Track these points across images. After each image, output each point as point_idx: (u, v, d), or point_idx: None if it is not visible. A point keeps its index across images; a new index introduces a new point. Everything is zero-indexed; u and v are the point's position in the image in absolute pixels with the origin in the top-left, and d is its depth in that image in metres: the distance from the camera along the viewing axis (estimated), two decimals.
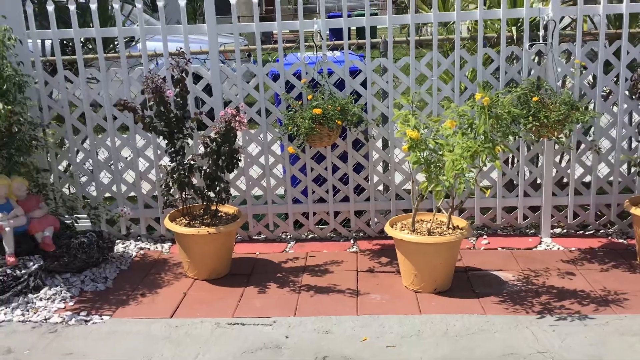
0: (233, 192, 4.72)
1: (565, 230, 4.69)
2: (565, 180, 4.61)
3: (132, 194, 4.73)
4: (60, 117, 4.63)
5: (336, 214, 4.72)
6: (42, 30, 4.45)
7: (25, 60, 4.35)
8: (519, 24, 4.48)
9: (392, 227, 3.93)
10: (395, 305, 3.63)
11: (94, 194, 4.74)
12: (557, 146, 4.41)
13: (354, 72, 4.45)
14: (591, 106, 4.37)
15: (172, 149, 3.89)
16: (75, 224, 4.54)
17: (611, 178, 4.52)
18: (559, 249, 4.40)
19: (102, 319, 3.58)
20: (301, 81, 4.31)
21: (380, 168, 4.80)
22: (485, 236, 4.64)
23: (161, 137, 3.95)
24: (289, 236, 4.81)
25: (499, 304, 3.60)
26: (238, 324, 3.48)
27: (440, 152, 3.44)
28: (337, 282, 3.99)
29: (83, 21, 4.88)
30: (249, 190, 4.67)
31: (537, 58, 4.46)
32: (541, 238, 4.57)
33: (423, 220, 4.05)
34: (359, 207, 4.68)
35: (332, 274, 4.12)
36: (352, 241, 4.68)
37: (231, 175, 4.66)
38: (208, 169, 3.85)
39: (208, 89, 4.50)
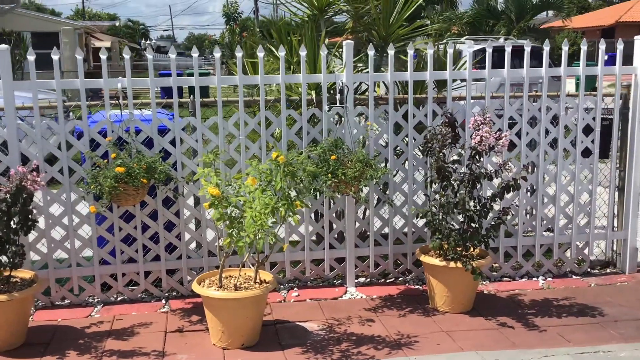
0: (33, 255, 4.46)
1: (368, 280, 5.00)
2: (367, 232, 4.94)
3: None
4: None
5: (147, 273, 4.62)
6: None
7: None
8: (319, 89, 4.81)
9: (199, 284, 3.94)
10: None
11: None
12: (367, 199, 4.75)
13: (163, 131, 4.47)
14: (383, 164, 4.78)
15: None
16: None
17: (406, 229, 4.92)
18: (362, 297, 4.67)
19: None
20: (106, 139, 4.24)
21: (192, 225, 4.81)
22: (296, 288, 4.80)
23: None
24: (96, 300, 4.60)
25: (301, 354, 3.73)
26: None
27: (243, 209, 3.55)
28: (143, 344, 3.88)
29: None
30: (51, 253, 4.43)
31: (337, 119, 4.80)
32: (347, 288, 4.82)
33: (232, 275, 4.10)
34: (171, 266, 4.62)
35: (138, 337, 4.00)
36: (164, 301, 4.60)
37: (31, 238, 4.40)
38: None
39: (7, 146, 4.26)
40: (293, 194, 3.73)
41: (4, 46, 4.15)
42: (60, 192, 4.38)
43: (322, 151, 4.23)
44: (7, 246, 3.66)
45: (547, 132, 4.88)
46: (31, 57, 4.20)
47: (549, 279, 5.08)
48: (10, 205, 3.53)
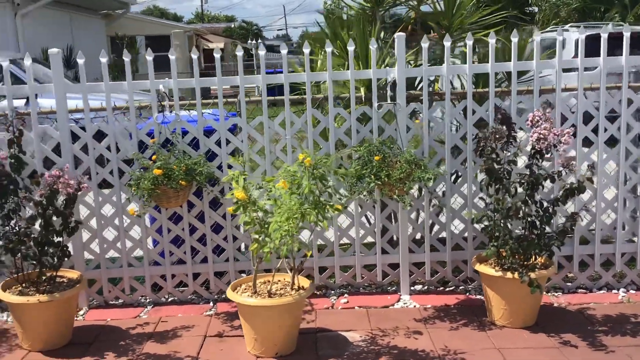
0: (87, 255, 4.55)
1: (425, 287, 4.69)
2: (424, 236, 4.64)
3: None
4: None
5: (197, 275, 4.59)
6: None
7: None
8: (370, 85, 4.55)
9: (235, 289, 3.83)
10: None
11: None
12: (412, 203, 4.47)
13: (210, 132, 4.41)
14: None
15: (2, 213, 3.71)
16: None
17: (466, 234, 4.57)
18: (415, 306, 4.39)
19: None
20: (150, 141, 4.24)
21: (241, 228, 4.72)
22: (346, 295, 4.59)
23: None
24: (147, 300, 4.63)
25: None
26: None
27: (271, 213, 3.40)
28: (179, 349, 3.83)
29: None
30: (103, 253, 4.50)
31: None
32: (400, 295, 4.55)
33: (270, 281, 3.96)
34: (219, 268, 4.57)
35: (178, 340, 3.96)
36: (211, 303, 4.54)
37: (85, 238, 4.50)
38: (38, 234, 3.68)
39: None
40: (324, 197, 3.53)
41: (55, 50, 4.24)
42: (112, 193, 4.43)
43: (366, 151, 3.98)
44: (47, 247, 3.71)
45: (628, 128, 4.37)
46: (149, 57, 4.24)
47: (632, 291, 4.55)
48: (45, 207, 3.57)
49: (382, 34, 4.77)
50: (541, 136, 3.62)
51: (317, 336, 3.96)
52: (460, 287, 4.66)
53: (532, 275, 3.78)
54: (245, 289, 3.84)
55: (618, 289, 4.58)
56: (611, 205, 4.53)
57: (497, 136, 3.66)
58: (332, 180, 3.64)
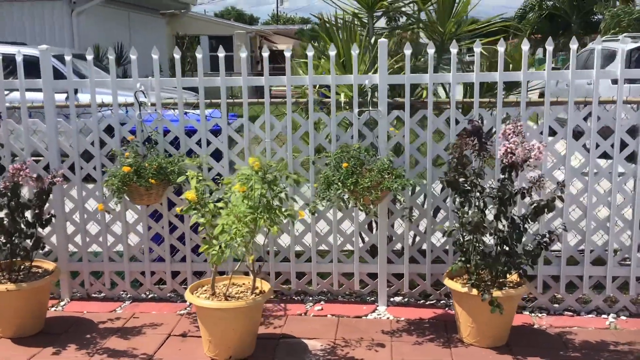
0: (71, 248, 4.66)
1: (406, 299, 4.58)
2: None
3: None
4: None
5: (176, 273, 4.64)
6: None
7: None
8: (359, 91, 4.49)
9: (196, 289, 3.85)
10: None
11: None
12: (392, 212, 4.39)
13: (192, 132, 4.45)
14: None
15: None
16: None
17: (447, 247, 4.44)
18: (388, 318, 4.29)
19: None
20: (128, 137, 4.31)
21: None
22: (322, 302, 4.53)
23: None
24: (127, 295, 4.71)
25: None
26: None
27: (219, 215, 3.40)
28: (139, 346, 3.87)
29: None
30: (86, 247, 4.60)
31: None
32: (377, 306, 4.46)
33: (236, 283, 3.96)
34: (198, 268, 4.59)
35: (140, 337, 4.00)
36: (188, 303, 4.57)
37: (70, 230, 4.61)
38: (4, 224, 3.79)
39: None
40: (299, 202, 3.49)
41: (43, 47, 4.37)
42: (95, 188, 4.53)
43: (335, 157, 3.92)
44: (15, 238, 3.82)
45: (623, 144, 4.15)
46: (199, 55, 4.32)
47: (623, 317, 4.31)
48: (10, 199, 3.68)
49: (372, 40, 4.68)
50: (509, 150, 3.47)
51: (279, 342, 3.93)
52: (442, 302, 4.53)
53: (498, 293, 3.63)
54: (205, 290, 3.85)
55: (608, 314, 4.35)
56: (603, 226, 4.31)
57: (461, 148, 3.53)
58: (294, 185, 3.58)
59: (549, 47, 4.08)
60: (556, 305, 4.42)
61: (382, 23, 5.23)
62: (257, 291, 3.79)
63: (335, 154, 4.00)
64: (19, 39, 14.69)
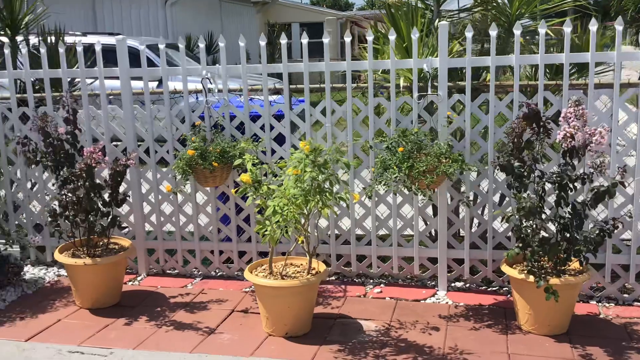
0: (148, 227, 4.96)
1: (467, 285, 4.55)
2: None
3: None
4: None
5: (242, 253, 4.84)
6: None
7: None
8: (421, 75, 4.47)
9: (255, 268, 4.00)
10: (234, 347, 3.69)
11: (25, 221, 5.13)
12: (453, 197, 4.37)
13: (256, 117, 4.60)
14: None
15: (57, 181, 4.19)
16: (10, 249, 4.91)
17: (510, 233, 4.35)
18: (446, 303, 4.29)
19: None
20: (196, 123, 4.52)
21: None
22: (382, 285, 4.59)
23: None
24: (198, 272, 4.96)
25: (334, 352, 3.59)
26: (77, 352, 3.66)
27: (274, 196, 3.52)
28: (203, 319, 4.09)
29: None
30: (161, 226, 4.89)
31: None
32: (437, 290, 4.46)
33: (294, 264, 4.09)
34: (262, 248, 4.76)
35: (205, 312, 4.22)
36: None
37: (146, 210, 4.91)
38: (82, 202, 4.09)
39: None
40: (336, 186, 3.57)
41: (120, 37, 4.65)
42: (168, 171, 4.79)
43: (390, 142, 3.95)
44: (90, 216, 4.12)
45: None
46: (283, 42, 4.38)
47: None
48: (85, 179, 3.97)
49: (436, 23, 4.64)
50: (568, 134, 3.37)
51: (335, 322, 4.03)
52: (504, 289, 4.46)
53: (555, 281, 3.55)
54: (264, 269, 4.00)
55: None
56: None
57: (517, 131, 3.46)
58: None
59: (619, 26, 3.89)
60: (626, 295, 4.25)
61: (450, 5, 5.16)
62: (314, 272, 3.90)
63: (392, 139, 4.02)
64: (116, 30, 15.54)
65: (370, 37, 4.28)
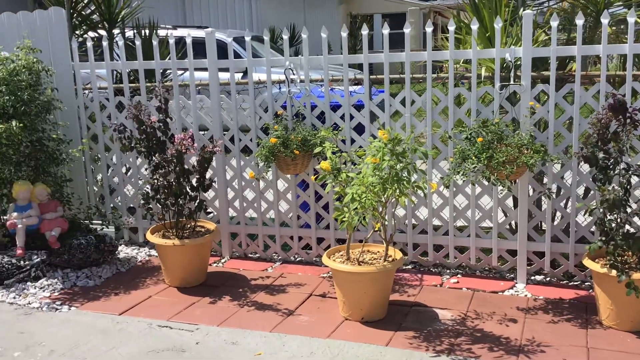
0: (231, 212, 5.17)
1: (547, 279, 4.48)
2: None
3: None
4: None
5: (321, 240, 4.96)
6: (83, 63, 5.28)
7: (67, 87, 5.21)
8: (503, 65, 4.43)
9: (332, 254, 4.11)
10: (312, 328, 3.82)
11: (120, 204, 5.47)
12: (534, 189, 4.31)
13: (336, 107, 4.70)
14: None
15: (150, 167, 4.45)
16: (106, 229, 5.27)
17: (593, 227, 4.25)
18: (525, 295, 4.25)
19: (69, 309, 4.20)
20: (278, 112, 4.67)
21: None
22: (459, 275, 4.59)
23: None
24: (278, 257, 5.13)
25: (409, 339, 3.64)
26: (166, 327, 3.90)
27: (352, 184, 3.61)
28: (282, 302, 4.24)
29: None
30: (243, 211, 5.09)
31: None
32: (515, 283, 4.42)
33: (371, 251, 4.17)
34: (340, 235, 4.86)
35: (284, 294, 4.37)
36: None
37: (230, 196, 5.12)
38: (172, 186, 4.33)
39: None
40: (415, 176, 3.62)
41: (209, 29, 4.86)
42: (251, 159, 4.98)
43: (470, 133, 3.95)
44: (180, 199, 4.35)
45: None
46: (364, 32, 4.42)
47: None
48: (176, 164, 4.20)
49: (521, 12, 4.57)
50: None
51: (410, 309, 4.08)
52: (586, 283, 4.37)
53: (637, 276, 3.46)
54: (342, 255, 4.10)
55: None
56: None
57: (602, 122, 3.38)
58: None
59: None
60: None
61: None
62: (390, 259, 3.97)
63: (472, 129, 4.02)
64: (204, 23, 16.07)
65: (452, 27, 4.27)
